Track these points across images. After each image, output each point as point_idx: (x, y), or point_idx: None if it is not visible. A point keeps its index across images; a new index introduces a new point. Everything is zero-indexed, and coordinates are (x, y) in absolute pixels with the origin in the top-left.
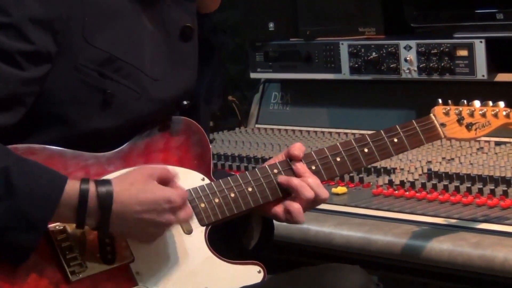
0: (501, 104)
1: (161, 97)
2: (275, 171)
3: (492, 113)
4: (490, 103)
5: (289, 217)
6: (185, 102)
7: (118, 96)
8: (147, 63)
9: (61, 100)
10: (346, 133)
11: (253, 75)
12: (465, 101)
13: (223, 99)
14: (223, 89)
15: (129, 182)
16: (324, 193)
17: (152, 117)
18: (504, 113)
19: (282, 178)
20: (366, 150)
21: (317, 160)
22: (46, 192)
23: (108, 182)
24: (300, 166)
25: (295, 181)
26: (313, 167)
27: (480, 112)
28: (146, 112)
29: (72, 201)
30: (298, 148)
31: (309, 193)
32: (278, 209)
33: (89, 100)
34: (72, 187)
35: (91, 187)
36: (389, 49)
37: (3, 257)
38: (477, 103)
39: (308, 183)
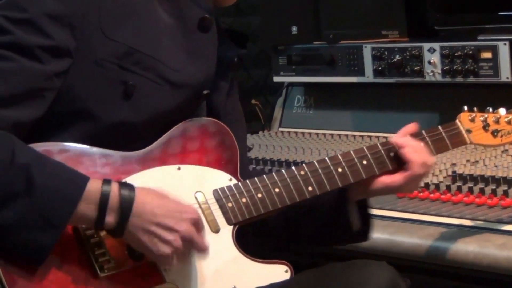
0: None
1: (182, 88)
2: (302, 172)
3: None
4: None
5: (405, 179)
6: (205, 92)
7: (140, 88)
8: (166, 54)
9: (83, 95)
10: (370, 136)
11: (276, 79)
12: (490, 108)
13: (246, 101)
14: (244, 90)
15: (152, 188)
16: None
17: (177, 111)
18: None
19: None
20: (392, 154)
21: (343, 162)
22: (66, 191)
23: (130, 185)
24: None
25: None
26: (340, 170)
27: (506, 120)
28: (169, 104)
29: (93, 197)
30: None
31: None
32: (385, 180)
33: (111, 93)
34: (93, 186)
35: (114, 187)
36: (413, 52)
37: (21, 256)
38: (502, 111)
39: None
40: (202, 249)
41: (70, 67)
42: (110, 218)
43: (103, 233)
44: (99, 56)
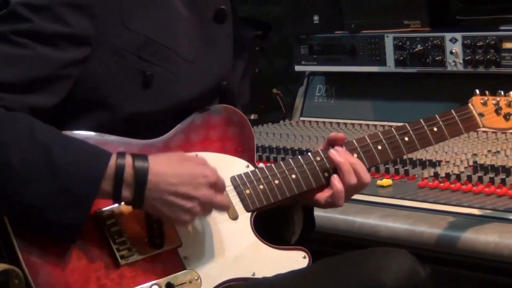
0: None
1: (199, 79)
2: (318, 158)
3: None
4: None
5: (329, 200)
6: (224, 83)
7: (158, 78)
8: (181, 45)
9: (101, 84)
10: (391, 126)
11: (297, 68)
12: (502, 91)
13: (267, 90)
14: (265, 80)
15: (165, 156)
16: (367, 177)
17: (195, 102)
18: None
19: (332, 153)
20: (406, 138)
21: (358, 148)
22: (90, 169)
23: (144, 155)
24: (341, 149)
25: (342, 159)
26: (355, 155)
27: None
28: (187, 95)
29: (110, 173)
30: (337, 134)
31: (353, 179)
32: (320, 194)
33: (129, 83)
34: (111, 161)
35: (128, 158)
36: (435, 42)
37: (53, 236)
38: None
39: (353, 167)
40: (223, 209)
41: (89, 56)
42: (126, 193)
43: (124, 221)
44: (118, 46)
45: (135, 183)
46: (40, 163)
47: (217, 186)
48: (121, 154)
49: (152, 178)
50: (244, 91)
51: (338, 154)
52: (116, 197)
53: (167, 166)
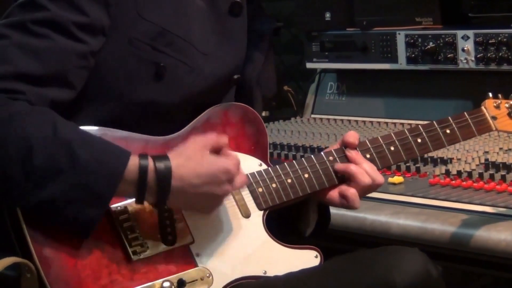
0: None
1: (212, 71)
2: (331, 158)
3: None
4: None
5: (344, 202)
6: (235, 76)
7: (171, 70)
8: (196, 37)
9: (114, 74)
10: (402, 123)
11: (309, 65)
12: None
13: (278, 87)
14: (277, 76)
15: (186, 156)
16: (380, 177)
17: (207, 94)
18: None
19: (340, 166)
20: (419, 140)
21: (371, 149)
22: (110, 166)
23: (165, 157)
24: (355, 153)
25: (352, 167)
26: (368, 155)
27: None
28: (199, 87)
29: (132, 176)
30: (352, 136)
31: (366, 179)
32: (334, 194)
33: (143, 73)
34: (132, 162)
35: (150, 162)
36: (447, 39)
37: (68, 230)
38: None
39: (364, 169)
40: (242, 186)
41: (104, 45)
42: (150, 197)
43: (136, 217)
44: (132, 35)
45: (158, 188)
46: (62, 158)
47: (237, 173)
48: (143, 156)
49: (175, 182)
50: (267, 83)
51: (352, 157)
52: (140, 201)
53: (189, 168)
